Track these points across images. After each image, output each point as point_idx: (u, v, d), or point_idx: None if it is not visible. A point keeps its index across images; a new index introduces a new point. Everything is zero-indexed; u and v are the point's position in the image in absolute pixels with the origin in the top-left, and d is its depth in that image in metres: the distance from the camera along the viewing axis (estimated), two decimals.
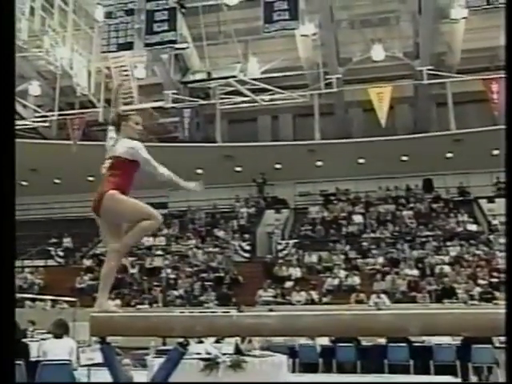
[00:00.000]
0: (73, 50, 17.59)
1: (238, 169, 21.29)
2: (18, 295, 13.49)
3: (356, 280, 16.31)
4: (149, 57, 18.47)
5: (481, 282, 15.30)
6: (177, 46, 15.14)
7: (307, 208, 21.68)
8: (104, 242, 4.28)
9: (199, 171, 21.47)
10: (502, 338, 7.89)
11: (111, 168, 3.89)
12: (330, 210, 21.05)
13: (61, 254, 20.81)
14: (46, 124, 19.55)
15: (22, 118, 18.90)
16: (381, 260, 17.39)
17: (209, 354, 7.70)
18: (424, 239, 18.30)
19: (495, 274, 15.37)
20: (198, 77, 16.85)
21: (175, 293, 17.03)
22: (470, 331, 3.33)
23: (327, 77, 17.29)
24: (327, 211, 21.01)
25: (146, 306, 16.10)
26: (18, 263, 17.59)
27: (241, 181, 21.65)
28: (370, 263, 17.39)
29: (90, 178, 17.55)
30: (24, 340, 8.36)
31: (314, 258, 18.24)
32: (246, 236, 20.14)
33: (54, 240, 21.53)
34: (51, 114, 18.97)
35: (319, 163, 20.57)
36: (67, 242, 21.35)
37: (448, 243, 17.84)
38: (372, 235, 19.10)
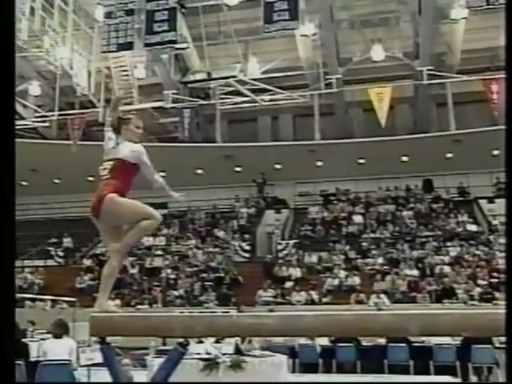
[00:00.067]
0: (73, 49, 17.58)
1: (238, 169, 21.30)
2: (18, 295, 13.49)
3: (356, 280, 16.31)
4: (149, 57, 18.46)
5: (481, 282, 15.30)
6: (177, 46, 15.12)
7: (307, 208, 21.68)
8: (104, 243, 4.28)
9: (199, 171, 21.52)
10: (502, 339, 7.89)
11: (112, 170, 3.88)
12: (330, 210, 21.06)
13: (61, 254, 20.82)
14: (46, 124, 19.56)
15: (22, 118, 18.90)
16: (381, 260, 17.39)
17: (209, 354, 7.71)
18: (424, 239, 18.31)
19: (495, 274, 15.37)
20: (198, 77, 16.84)
21: (175, 293, 17.03)
22: (470, 331, 3.33)
23: (327, 77, 17.28)
24: (327, 211, 21.01)
25: (146, 306, 16.11)
26: (17, 263, 17.59)
27: (241, 181, 21.65)
28: (369, 263, 17.40)
29: (90, 178, 17.52)
30: (24, 340, 8.37)
31: (314, 258, 18.24)
32: (246, 236, 20.14)
33: (53, 240, 21.53)
34: (51, 114, 18.97)
35: (319, 163, 20.57)
36: (67, 241, 21.36)
37: (448, 243, 17.84)
38: (372, 235, 19.10)
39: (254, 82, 17.18)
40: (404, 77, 19.71)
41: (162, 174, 18.20)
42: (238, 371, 7.38)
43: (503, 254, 14.75)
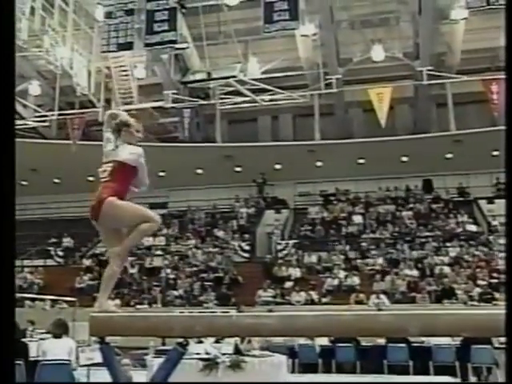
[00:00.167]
0: (73, 49, 17.59)
1: (238, 169, 21.30)
2: (18, 295, 13.48)
3: (356, 280, 16.31)
4: (149, 57, 18.46)
5: (480, 282, 15.31)
6: (177, 46, 15.13)
7: (307, 208, 21.69)
8: (104, 244, 4.29)
9: (199, 171, 21.52)
10: (502, 339, 7.90)
11: (112, 173, 3.87)
12: (329, 210, 21.06)
13: (60, 253, 20.82)
14: (46, 124, 19.57)
15: (22, 118, 18.90)
16: (380, 260, 17.39)
17: (208, 354, 7.71)
18: (424, 240, 18.31)
19: (495, 274, 15.38)
20: (198, 77, 16.85)
21: (175, 293, 17.03)
22: (470, 332, 3.34)
23: (327, 77, 17.29)
24: (327, 211, 21.01)
25: (146, 306, 16.11)
26: (17, 263, 17.59)
27: (241, 181, 21.66)
28: (369, 263, 17.40)
29: (90, 178, 17.49)
30: (23, 340, 8.37)
31: (314, 258, 18.24)
32: (246, 236, 20.15)
33: (53, 240, 21.53)
34: (51, 113, 18.98)
35: (319, 163, 20.58)
36: (67, 241, 21.35)
37: (448, 244, 17.85)
38: (372, 236, 19.10)
39: (253, 82, 17.18)
40: (404, 77, 19.71)
41: (162, 173, 18.23)
42: (237, 371, 7.38)
43: (503, 255, 14.76)
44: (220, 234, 20.41)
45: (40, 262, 20.23)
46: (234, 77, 16.28)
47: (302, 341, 11.04)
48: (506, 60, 3.63)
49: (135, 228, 3.77)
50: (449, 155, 19.60)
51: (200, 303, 16.26)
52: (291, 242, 19.22)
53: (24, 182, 20.97)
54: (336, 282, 16.54)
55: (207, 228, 21.11)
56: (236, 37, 16.82)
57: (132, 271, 18.27)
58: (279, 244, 19.21)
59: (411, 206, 20.54)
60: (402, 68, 19.19)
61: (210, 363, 7.47)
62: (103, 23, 15.25)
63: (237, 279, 17.44)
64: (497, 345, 9.59)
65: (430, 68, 16.44)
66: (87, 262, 19.37)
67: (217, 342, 8.45)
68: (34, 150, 18.49)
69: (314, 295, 15.89)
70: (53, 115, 18.87)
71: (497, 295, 14.14)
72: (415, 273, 16.38)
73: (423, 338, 10.33)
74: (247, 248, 19.53)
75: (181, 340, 3.55)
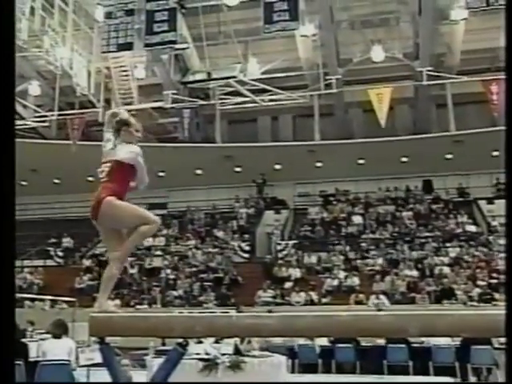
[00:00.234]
0: (73, 50, 17.59)
1: (238, 169, 21.30)
2: (18, 295, 13.48)
3: (355, 281, 16.31)
4: (149, 57, 18.47)
5: (480, 283, 15.31)
6: (177, 46, 15.15)
7: (307, 209, 21.69)
8: (104, 245, 4.29)
9: (199, 171, 21.52)
10: (502, 339, 7.90)
11: (110, 173, 3.87)
12: (329, 210, 21.06)
13: (60, 254, 20.81)
14: (46, 124, 19.57)
15: (22, 118, 18.89)
16: (380, 261, 17.39)
17: (208, 354, 7.71)
18: (423, 240, 18.31)
19: (494, 275, 15.38)
20: (198, 77, 16.86)
21: (174, 293, 17.03)
22: (469, 332, 3.34)
23: (327, 77, 17.30)
24: (327, 212, 21.01)
25: (145, 307, 16.11)
26: (17, 263, 17.59)
27: (240, 181, 21.66)
28: (369, 264, 17.40)
29: (90, 178, 17.48)
30: (23, 340, 8.37)
31: (314, 258, 18.24)
32: (246, 236, 20.15)
33: (53, 240, 21.53)
34: (51, 113, 18.98)
35: (319, 164, 20.58)
36: (66, 242, 21.35)
37: (447, 244, 17.85)
38: (371, 236, 19.10)
39: (253, 83, 17.19)
40: (404, 77, 19.71)
41: (162, 174, 18.23)
42: (237, 371, 7.39)
43: (502, 255, 14.76)
44: (220, 234, 20.41)
45: (40, 263, 20.23)
46: (233, 77, 16.29)
47: (302, 341, 11.04)
48: (506, 60, 3.63)
49: (135, 230, 3.78)
50: (449, 156, 19.60)
51: (200, 303, 16.26)
52: (291, 242, 19.22)
53: (24, 183, 20.97)
54: (336, 282, 16.54)
55: (207, 228, 21.11)
56: (236, 37, 16.82)
57: (132, 271, 18.27)
58: (279, 244, 19.21)
59: (411, 206, 20.54)
60: (401, 68, 19.19)
61: (210, 363, 7.47)
62: (103, 23, 15.26)
63: (236, 279, 17.44)
64: (497, 345, 9.60)
65: (429, 68, 16.45)
66: (87, 263, 19.37)
67: (216, 342, 8.45)
68: (34, 151, 18.49)
69: (314, 296, 15.89)
70: (53, 115, 18.87)
71: (496, 296, 14.14)
72: (415, 273, 16.38)
73: (423, 339, 10.32)
74: (247, 248, 19.53)
75: (181, 340, 3.55)
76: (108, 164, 3.89)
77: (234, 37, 16.69)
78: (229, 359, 7.55)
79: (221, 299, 16.39)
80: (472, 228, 18.84)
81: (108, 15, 14.83)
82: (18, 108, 18.89)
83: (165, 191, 22.52)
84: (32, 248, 20.18)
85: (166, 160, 18.23)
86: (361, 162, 20.32)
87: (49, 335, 7.87)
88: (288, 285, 16.75)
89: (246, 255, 19.42)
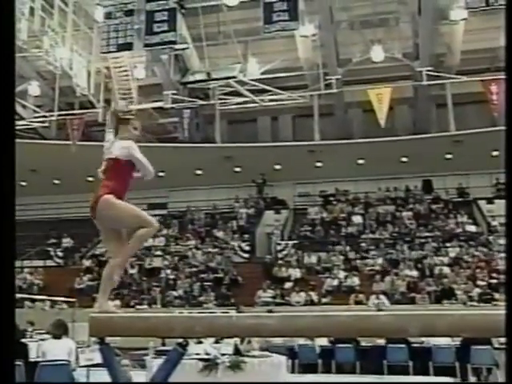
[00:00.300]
0: (72, 50, 17.58)
1: (238, 169, 21.30)
2: (18, 295, 13.48)
3: (355, 281, 16.32)
4: (148, 57, 18.46)
5: (480, 283, 15.32)
6: (176, 46, 15.15)
7: (307, 209, 21.69)
8: (104, 244, 4.29)
9: (199, 172, 21.52)
10: (502, 339, 7.90)
11: (107, 171, 3.88)
12: (329, 210, 21.06)
13: (60, 254, 20.82)
14: (46, 124, 19.56)
15: (22, 119, 18.89)
16: (380, 261, 17.39)
17: (208, 354, 7.71)
18: (423, 240, 18.32)
19: (494, 275, 15.39)
20: (198, 77, 16.86)
21: (174, 293, 17.04)
22: (469, 332, 3.34)
23: (327, 77, 17.30)
24: (326, 212, 21.01)
25: (145, 307, 16.11)
26: (17, 263, 17.59)
27: (240, 181, 21.66)
28: (369, 264, 17.41)
29: (90, 179, 17.49)
30: (23, 340, 8.36)
31: (314, 258, 18.24)
32: (246, 236, 20.15)
33: (53, 240, 21.53)
34: (50, 114, 18.97)
35: (319, 164, 20.58)
36: (66, 242, 21.35)
37: (447, 244, 17.85)
38: (371, 236, 19.11)
39: (253, 83, 17.19)
40: (404, 77, 19.71)
41: (162, 174, 18.22)
42: (237, 372, 7.39)
43: (502, 255, 14.76)
44: (220, 234, 20.41)
45: (40, 263, 20.24)
46: (233, 77, 16.29)
47: (302, 341, 11.04)
48: (506, 60, 3.63)
49: (133, 233, 3.77)
50: (448, 155, 19.60)
51: (200, 304, 16.26)
52: (291, 242, 19.22)
53: (24, 183, 20.96)
54: (336, 282, 16.55)
55: (207, 228, 21.12)
56: (235, 37, 16.82)
57: (132, 272, 18.26)
58: (279, 244, 19.21)
59: (411, 206, 20.55)
60: (401, 68, 19.19)
61: (210, 364, 7.47)
62: (103, 24, 15.24)
63: (236, 280, 17.44)
64: (497, 345, 9.60)
65: (429, 68, 16.45)
66: (87, 263, 19.38)
67: (216, 342, 8.45)
68: (34, 151, 18.49)
69: (314, 296, 15.89)
70: (52, 116, 18.86)
71: (496, 295, 14.15)
72: (415, 273, 16.39)
73: (423, 339, 10.32)
74: (247, 248, 19.54)
75: (181, 340, 3.55)
76: (105, 163, 3.90)
77: (233, 37, 16.70)
78: (229, 359, 7.55)
79: (221, 299, 16.40)
80: (472, 228, 18.84)
81: (108, 15, 14.82)
82: (18, 108, 18.88)
83: (165, 191, 22.54)
84: (32, 248, 20.18)
85: (166, 160, 18.18)
86: (361, 162, 20.32)
87: (49, 335, 7.88)
88: (288, 285, 16.75)
89: (246, 255, 19.43)
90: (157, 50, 16.10)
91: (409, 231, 19.16)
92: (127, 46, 14.75)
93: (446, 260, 16.92)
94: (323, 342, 11.07)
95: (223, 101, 18.30)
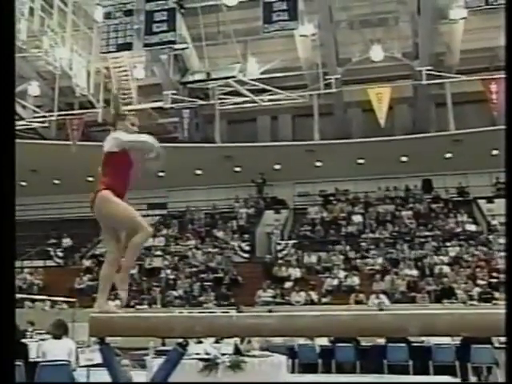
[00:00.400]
0: (72, 50, 17.59)
1: (238, 169, 21.30)
2: (18, 296, 13.48)
3: (355, 280, 16.31)
4: (148, 57, 18.47)
5: (480, 282, 15.31)
6: (176, 46, 15.16)
7: (306, 208, 21.68)
8: (103, 242, 4.30)
9: (198, 171, 21.51)
10: (502, 339, 7.90)
11: (103, 167, 3.87)
12: (329, 210, 21.06)
13: (60, 254, 20.81)
14: (45, 124, 19.56)
15: (21, 119, 18.88)
16: (380, 260, 17.39)
17: (208, 354, 7.71)
18: (423, 239, 18.31)
19: (494, 274, 15.38)
20: (198, 77, 16.86)
21: (174, 293, 17.03)
22: (470, 331, 3.34)
23: (326, 77, 17.30)
24: (326, 211, 21.01)
25: (145, 307, 16.10)
26: (17, 264, 17.58)
27: (240, 181, 21.65)
28: (369, 263, 17.41)
29: (90, 179, 17.47)
30: (23, 340, 8.36)
31: (314, 258, 18.24)
32: (246, 236, 20.15)
33: (53, 240, 21.53)
34: (50, 114, 18.97)
35: (318, 163, 20.58)
36: (66, 242, 21.35)
37: (447, 243, 17.85)
38: (371, 235, 19.10)
39: (253, 83, 17.19)
40: (403, 77, 19.70)
41: (162, 174, 18.19)
42: (237, 371, 7.39)
43: (502, 254, 14.77)
44: (220, 234, 20.41)
45: (40, 263, 20.24)
46: (233, 77, 16.29)
47: (302, 341, 11.04)
48: (506, 60, 3.63)
49: (128, 244, 3.76)
50: (448, 155, 19.60)
51: (200, 303, 16.26)
52: (291, 242, 19.22)
53: (24, 183, 20.96)
54: (336, 282, 16.54)
55: (207, 228, 21.11)
56: (235, 37, 16.83)
57: (132, 272, 18.24)
58: (279, 244, 19.21)
59: (411, 205, 20.54)
60: (401, 68, 19.19)
61: (210, 363, 7.47)
62: (102, 24, 15.26)
63: (236, 279, 17.44)
64: (497, 344, 9.59)
65: (429, 68, 16.45)
66: (87, 263, 19.38)
67: (216, 342, 8.45)
68: (34, 151, 18.49)
69: (314, 295, 15.89)
70: (52, 116, 18.86)
71: (496, 295, 14.15)
72: (415, 272, 16.39)
73: (423, 338, 10.34)
74: (247, 248, 19.54)
75: (181, 340, 3.55)
76: (101, 159, 3.90)
77: (233, 37, 16.70)
78: (229, 359, 7.55)
79: (221, 299, 16.39)
80: (472, 227, 18.83)
81: (107, 15, 14.84)
82: (18, 108, 18.89)
83: (165, 191, 22.55)
84: (32, 248, 20.18)
85: (166, 160, 18.17)
86: (360, 161, 20.31)
87: (49, 336, 7.87)
88: (288, 284, 16.74)
89: (246, 255, 19.42)
90: (156, 50, 16.11)
91: (409, 230, 19.16)
92: (127, 46, 14.77)
93: (445, 259, 16.92)
94: (323, 341, 11.07)
95: (223, 101, 18.30)
